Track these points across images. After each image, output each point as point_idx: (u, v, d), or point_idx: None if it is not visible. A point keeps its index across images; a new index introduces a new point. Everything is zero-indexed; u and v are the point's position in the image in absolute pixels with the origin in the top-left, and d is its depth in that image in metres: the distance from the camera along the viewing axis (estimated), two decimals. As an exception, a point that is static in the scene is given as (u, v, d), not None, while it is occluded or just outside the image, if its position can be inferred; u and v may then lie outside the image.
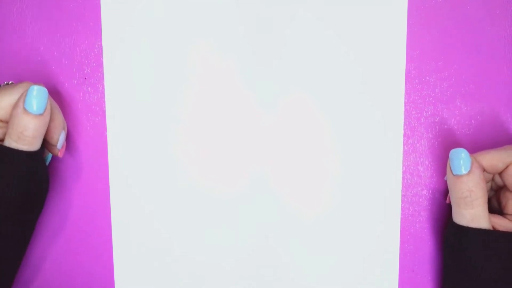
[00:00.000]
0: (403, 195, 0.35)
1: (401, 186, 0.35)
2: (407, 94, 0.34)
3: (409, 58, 0.34)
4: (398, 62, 0.34)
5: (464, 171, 0.29)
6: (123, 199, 0.36)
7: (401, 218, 0.35)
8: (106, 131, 0.35)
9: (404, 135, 0.34)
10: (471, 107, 0.34)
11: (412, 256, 0.35)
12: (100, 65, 0.35)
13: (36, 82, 0.33)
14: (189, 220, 0.36)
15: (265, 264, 0.36)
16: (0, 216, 0.29)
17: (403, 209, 0.35)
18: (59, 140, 0.32)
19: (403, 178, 0.35)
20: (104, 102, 0.35)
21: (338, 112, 0.34)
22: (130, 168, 0.35)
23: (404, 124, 0.34)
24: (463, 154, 0.29)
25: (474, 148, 0.34)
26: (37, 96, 0.29)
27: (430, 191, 0.35)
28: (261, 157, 0.35)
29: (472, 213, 0.29)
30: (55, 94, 0.35)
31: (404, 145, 0.35)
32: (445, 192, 0.35)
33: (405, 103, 0.34)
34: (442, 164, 0.35)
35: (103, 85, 0.35)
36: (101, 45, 0.35)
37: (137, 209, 0.36)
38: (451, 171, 0.30)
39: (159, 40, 0.34)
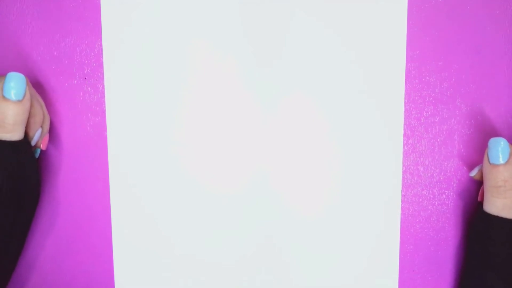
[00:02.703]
0: (403, 195, 0.35)
1: (401, 186, 0.35)
2: (407, 94, 0.34)
3: (409, 58, 0.34)
4: (398, 62, 0.34)
5: (501, 161, 0.29)
6: (123, 199, 0.36)
7: (401, 218, 0.35)
8: (106, 131, 0.35)
9: (404, 135, 0.34)
10: (471, 107, 0.34)
11: (412, 256, 0.35)
12: (100, 65, 0.35)
13: (17, 71, 0.32)
14: (189, 220, 0.36)
15: (265, 264, 0.36)
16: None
17: (403, 209, 0.35)
18: (34, 137, 0.32)
19: (403, 178, 0.35)
20: (104, 102, 0.35)
21: (338, 112, 0.34)
22: (130, 168, 0.35)
23: (404, 124, 0.34)
24: (502, 143, 0.29)
25: (474, 148, 0.34)
26: (15, 82, 0.29)
27: (430, 191, 0.35)
28: (261, 157, 0.35)
29: (504, 202, 0.29)
30: (55, 94, 0.35)
31: (404, 145, 0.35)
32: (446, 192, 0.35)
33: (405, 103, 0.34)
34: (442, 164, 0.35)
35: (103, 85, 0.35)
36: (101, 45, 0.35)
37: (137, 209, 0.36)
38: (488, 160, 0.30)
39: (159, 40, 0.34)
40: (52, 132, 0.35)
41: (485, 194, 0.31)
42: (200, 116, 0.35)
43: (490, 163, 0.30)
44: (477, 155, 0.34)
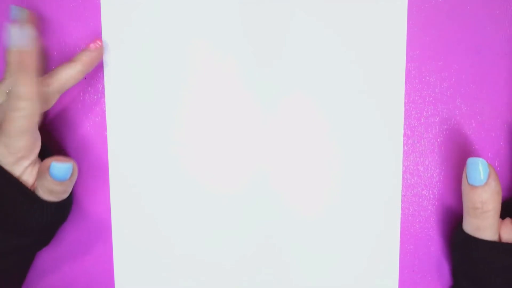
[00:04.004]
0: (403, 195, 0.35)
1: (401, 186, 0.35)
2: (407, 94, 0.34)
3: (409, 58, 0.34)
4: (398, 62, 0.34)
5: (479, 183, 0.28)
6: (123, 199, 0.36)
7: (401, 218, 0.35)
8: (106, 131, 0.35)
9: (404, 135, 0.34)
10: (471, 107, 0.34)
11: (412, 256, 0.35)
12: (100, 65, 0.35)
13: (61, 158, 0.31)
14: (189, 220, 0.36)
15: (265, 264, 0.36)
16: (24, 245, 0.31)
17: (403, 209, 0.35)
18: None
19: (403, 178, 0.35)
20: (104, 102, 0.35)
21: (338, 112, 0.34)
22: (130, 168, 0.35)
23: (404, 124, 0.34)
24: (480, 165, 0.28)
25: (474, 149, 0.34)
26: (62, 170, 0.29)
27: (430, 191, 0.35)
28: (261, 157, 0.35)
29: (479, 223, 0.28)
30: (55, 94, 0.35)
31: (404, 145, 0.35)
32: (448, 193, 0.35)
33: (405, 103, 0.34)
34: (442, 164, 0.35)
35: (103, 85, 0.35)
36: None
37: (137, 209, 0.36)
38: (467, 179, 0.28)
39: (159, 40, 0.34)
40: (53, 132, 0.35)
41: (464, 212, 0.30)
42: (200, 116, 0.35)
43: (468, 183, 0.28)
44: (477, 155, 0.34)
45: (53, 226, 0.32)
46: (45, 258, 0.37)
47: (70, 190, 0.31)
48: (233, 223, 0.36)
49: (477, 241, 0.29)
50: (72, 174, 0.30)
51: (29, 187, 0.30)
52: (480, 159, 0.28)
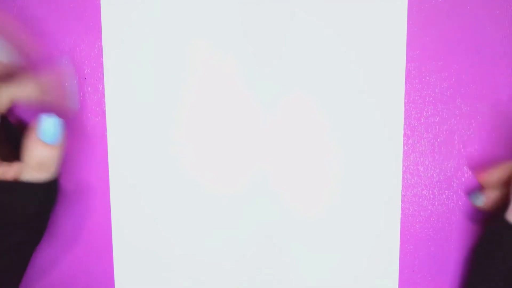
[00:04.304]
0: (403, 195, 0.35)
1: (401, 186, 0.35)
2: (407, 94, 0.34)
3: (409, 58, 0.34)
4: (398, 62, 0.34)
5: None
6: (123, 199, 0.36)
7: (401, 218, 0.35)
8: (106, 131, 0.35)
9: (404, 135, 0.34)
10: (471, 107, 0.34)
11: (412, 256, 0.35)
12: (100, 65, 0.35)
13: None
14: (189, 220, 0.36)
15: (265, 264, 0.36)
16: (20, 240, 0.30)
17: (403, 209, 0.35)
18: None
19: (403, 178, 0.35)
20: (104, 102, 0.35)
21: (338, 112, 0.34)
22: (130, 168, 0.35)
23: (404, 124, 0.34)
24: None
25: (474, 149, 0.34)
26: (52, 127, 0.28)
27: (430, 191, 0.35)
28: (261, 157, 0.35)
29: None
30: (55, 94, 0.35)
31: (404, 145, 0.35)
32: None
33: (405, 103, 0.34)
34: (442, 164, 0.35)
35: (103, 85, 0.35)
36: (101, 45, 0.35)
37: (137, 209, 0.36)
38: None
39: (159, 40, 0.34)
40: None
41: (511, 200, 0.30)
42: (200, 116, 0.35)
43: None
44: (477, 155, 0.34)
45: (44, 213, 0.31)
46: (45, 258, 0.37)
47: (57, 163, 0.30)
48: (233, 223, 0.36)
49: None
50: (61, 135, 0.29)
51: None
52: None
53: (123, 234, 0.36)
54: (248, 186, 0.35)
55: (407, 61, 0.34)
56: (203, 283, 0.36)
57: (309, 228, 0.35)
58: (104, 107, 0.35)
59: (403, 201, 0.35)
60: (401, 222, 0.35)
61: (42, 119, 0.28)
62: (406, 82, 0.34)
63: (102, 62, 0.35)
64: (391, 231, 0.35)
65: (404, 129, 0.34)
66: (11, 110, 0.32)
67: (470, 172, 0.34)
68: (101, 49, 0.35)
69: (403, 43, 0.34)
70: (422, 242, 0.35)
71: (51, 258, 0.36)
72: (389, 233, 0.35)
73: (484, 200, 0.33)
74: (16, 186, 0.29)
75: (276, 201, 0.35)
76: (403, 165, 0.35)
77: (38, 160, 0.28)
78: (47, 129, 0.28)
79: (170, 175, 0.35)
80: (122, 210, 0.36)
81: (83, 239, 0.36)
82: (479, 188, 0.34)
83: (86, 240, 0.36)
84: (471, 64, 0.34)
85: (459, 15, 0.33)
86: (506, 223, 0.30)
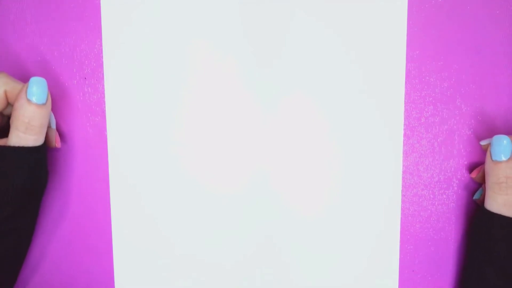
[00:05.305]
0: (403, 195, 0.35)
1: (401, 186, 0.35)
2: (407, 94, 0.34)
3: (409, 58, 0.34)
4: (398, 62, 0.34)
5: (503, 158, 0.30)
6: (123, 199, 0.36)
7: (401, 218, 0.35)
8: (106, 131, 0.35)
9: (404, 135, 0.34)
10: (471, 107, 0.34)
11: (412, 256, 0.35)
12: (100, 65, 0.35)
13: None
14: (189, 220, 0.36)
15: (265, 264, 0.36)
16: (7, 213, 0.30)
17: (403, 209, 0.35)
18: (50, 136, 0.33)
19: (403, 178, 0.35)
20: (104, 102, 0.35)
21: (338, 112, 0.34)
22: (130, 168, 0.35)
23: (404, 124, 0.34)
24: (504, 141, 0.30)
25: (474, 148, 0.34)
26: (37, 87, 0.30)
27: (430, 191, 0.35)
28: (261, 157, 0.35)
29: (505, 199, 0.30)
30: (55, 94, 0.35)
31: (404, 145, 0.35)
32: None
33: (405, 103, 0.34)
34: (442, 164, 0.35)
35: (103, 85, 0.35)
36: (101, 45, 0.35)
37: (137, 209, 0.36)
38: (491, 157, 0.30)
39: (159, 40, 0.34)
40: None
41: (486, 191, 0.31)
42: (200, 116, 0.35)
43: (492, 160, 0.30)
44: (477, 155, 0.34)
45: (34, 187, 0.31)
46: (45, 257, 0.37)
47: (44, 125, 0.30)
48: (233, 223, 0.36)
49: (501, 218, 0.30)
50: (47, 99, 0.30)
51: None
52: (505, 136, 0.30)
53: (123, 234, 0.36)
54: (248, 186, 0.35)
55: (407, 61, 0.34)
56: (203, 283, 0.36)
57: (309, 228, 0.35)
58: (104, 107, 0.35)
59: (403, 201, 0.35)
60: (401, 222, 0.35)
61: (30, 80, 0.30)
62: (406, 82, 0.34)
63: (102, 62, 0.35)
64: (391, 231, 0.35)
65: (404, 129, 0.34)
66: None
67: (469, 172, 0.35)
68: (101, 49, 0.35)
69: (403, 43, 0.34)
70: (422, 242, 0.35)
71: (51, 258, 0.36)
72: (389, 233, 0.35)
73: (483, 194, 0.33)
74: (4, 150, 0.29)
75: (276, 201, 0.35)
76: (403, 165, 0.35)
77: (26, 121, 0.29)
78: (34, 89, 0.30)
79: (170, 175, 0.35)
80: (122, 210, 0.36)
81: (83, 239, 0.36)
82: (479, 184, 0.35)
83: (86, 240, 0.36)
84: (471, 64, 0.34)
85: (459, 15, 0.33)
86: (487, 212, 0.31)
